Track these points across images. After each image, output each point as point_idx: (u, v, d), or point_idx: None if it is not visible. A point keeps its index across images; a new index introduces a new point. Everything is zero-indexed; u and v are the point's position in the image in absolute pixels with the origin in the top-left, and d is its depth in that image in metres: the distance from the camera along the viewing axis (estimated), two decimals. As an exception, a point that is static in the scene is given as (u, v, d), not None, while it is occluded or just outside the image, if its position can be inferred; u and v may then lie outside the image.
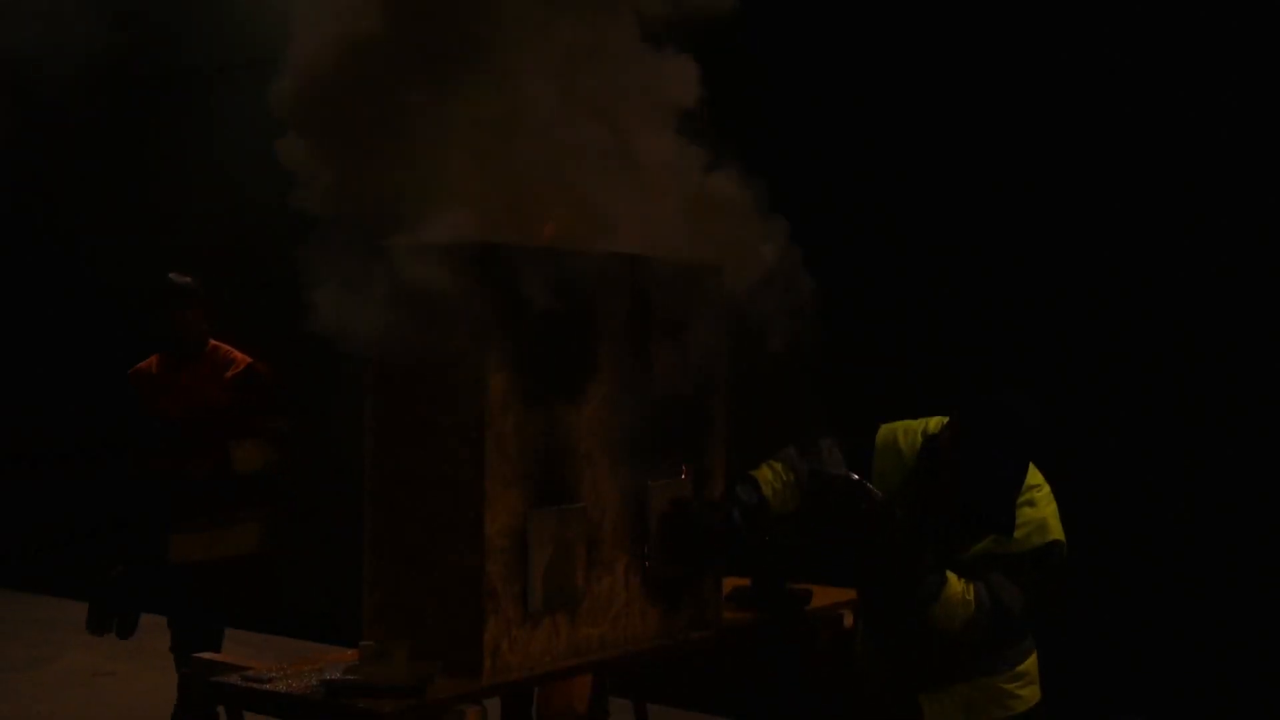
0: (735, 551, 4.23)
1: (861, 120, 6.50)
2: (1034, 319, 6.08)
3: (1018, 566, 3.82)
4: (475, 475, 3.65)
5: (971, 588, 3.79)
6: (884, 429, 4.07)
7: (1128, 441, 5.85)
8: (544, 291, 3.72)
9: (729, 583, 4.55)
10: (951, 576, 3.79)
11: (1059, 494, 3.94)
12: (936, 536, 3.86)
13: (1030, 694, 3.98)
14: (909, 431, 4.01)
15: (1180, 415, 5.77)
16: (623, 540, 4.06)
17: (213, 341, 5.95)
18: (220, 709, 3.80)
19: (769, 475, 4.13)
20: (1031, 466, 3.87)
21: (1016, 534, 3.80)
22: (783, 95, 6.59)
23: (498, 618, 3.68)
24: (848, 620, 4.70)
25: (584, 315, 3.91)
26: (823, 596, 4.70)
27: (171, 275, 5.88)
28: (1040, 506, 3.88)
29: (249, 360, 5.92)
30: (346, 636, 4.18)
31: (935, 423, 3.96)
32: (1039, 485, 3.91)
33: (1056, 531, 3.88)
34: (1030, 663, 3.99)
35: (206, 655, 3.99)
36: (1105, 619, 5.84)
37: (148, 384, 5.89)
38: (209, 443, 5.74)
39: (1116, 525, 5.80)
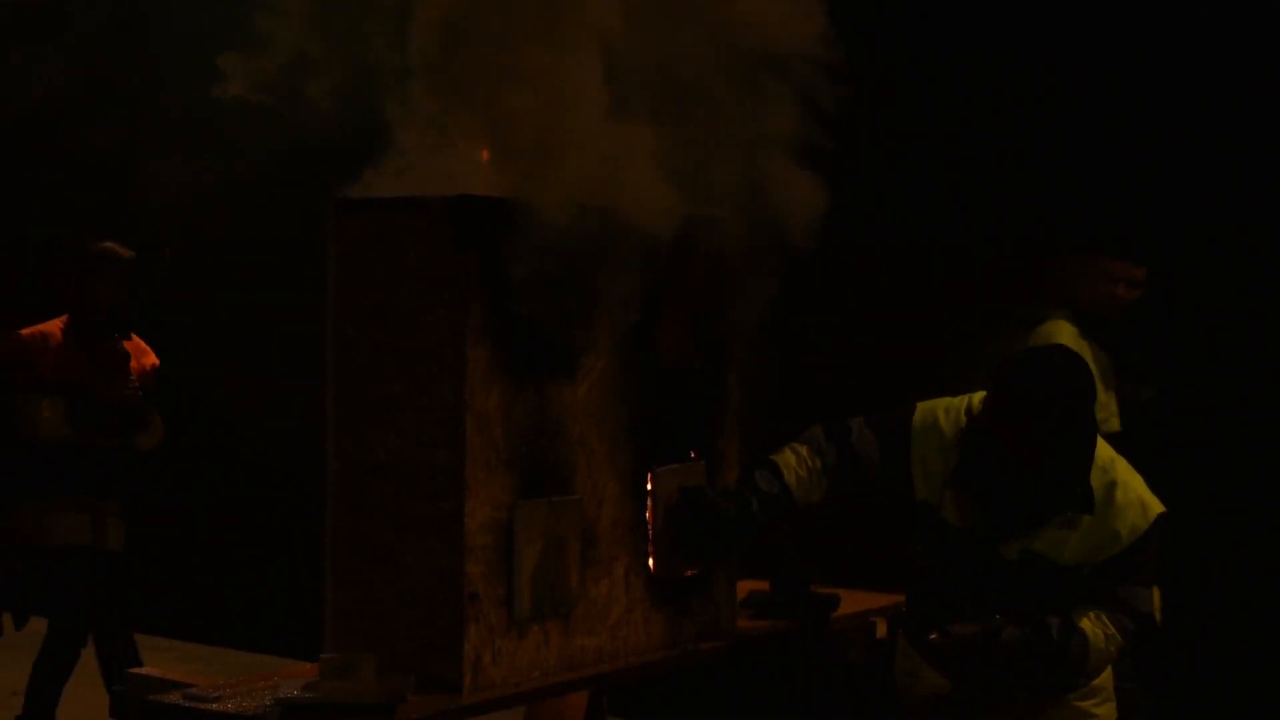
0: (753, 548, 4.21)
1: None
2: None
3: (1137, 564, 3.88)
4: (453, 462, 3.65)
5: (1105, 618, 3.86)
6: (922, 407, 4.05)
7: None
8: (531, 251, 3.69)
9: (744, 586, 4.57)
10: (1084, 625, 3.85)
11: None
12: (1005, 529, 3.88)
13: (1107, 713, 3.99)
14: (951, 410, 4.00)
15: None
16: (623, 537, 4.06)
17: None
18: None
19: (792, 460, 4.11)
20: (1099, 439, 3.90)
21: (1119, 526, 3.85)
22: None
23: (479, 626, 3.68)
24: (880, 629, 4.71)
25: (578, 278, 3.88)
26: (852, 602, 4.72)
27: (111, 244, 6.23)
28: (1128, 483, 3.92)
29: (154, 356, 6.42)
30: (305, 648, 4.16)
31: (980, 399, 3.95)
32: (1111, 458, 3.92)
33: (1155, 503, 3.92)
34: (1106, 676, 3.99)
35: (144, 670, 3.98)
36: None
37: (48, 351, 6.13)
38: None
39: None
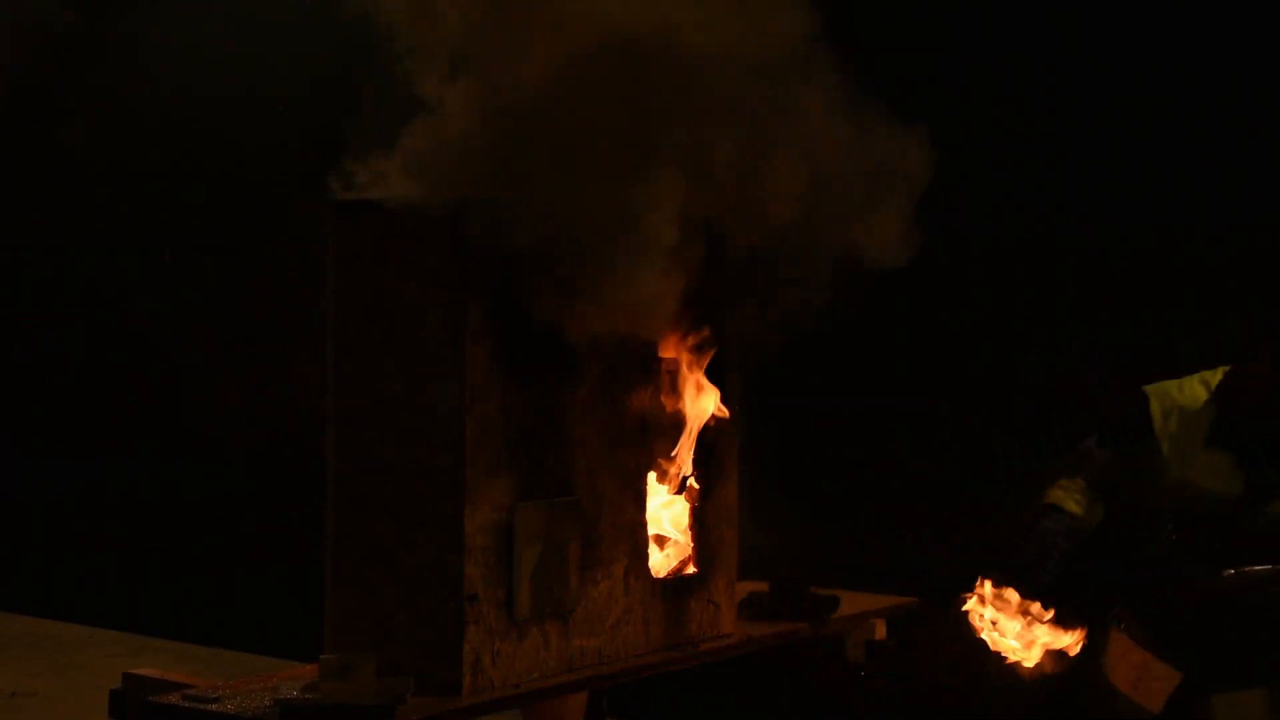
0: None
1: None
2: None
3: None
4: (453, 464, 3.66)
5: None
6: (1153, 396, 4.16)
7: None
8: (531, 253, 3.69)
9: (744, 586, 4.57)
10: None
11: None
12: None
13: None
14: (1184, 387, 4.14)
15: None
16: (622, 538, 4.07)
17: None
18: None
19: (1069, 500, 4.17)
20: None
21: None
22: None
23: (479, 627, 3.69)
24: (879, 631, 4.69)
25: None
26: (851, 602, 4.72)
27: None
28: None
29: None
30: (305, 649, 4.17)
31: (1209, 375, 4.10)
32: None
33: None
34: None
35: (143, 670, 3.98)
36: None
37: None
38: None
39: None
